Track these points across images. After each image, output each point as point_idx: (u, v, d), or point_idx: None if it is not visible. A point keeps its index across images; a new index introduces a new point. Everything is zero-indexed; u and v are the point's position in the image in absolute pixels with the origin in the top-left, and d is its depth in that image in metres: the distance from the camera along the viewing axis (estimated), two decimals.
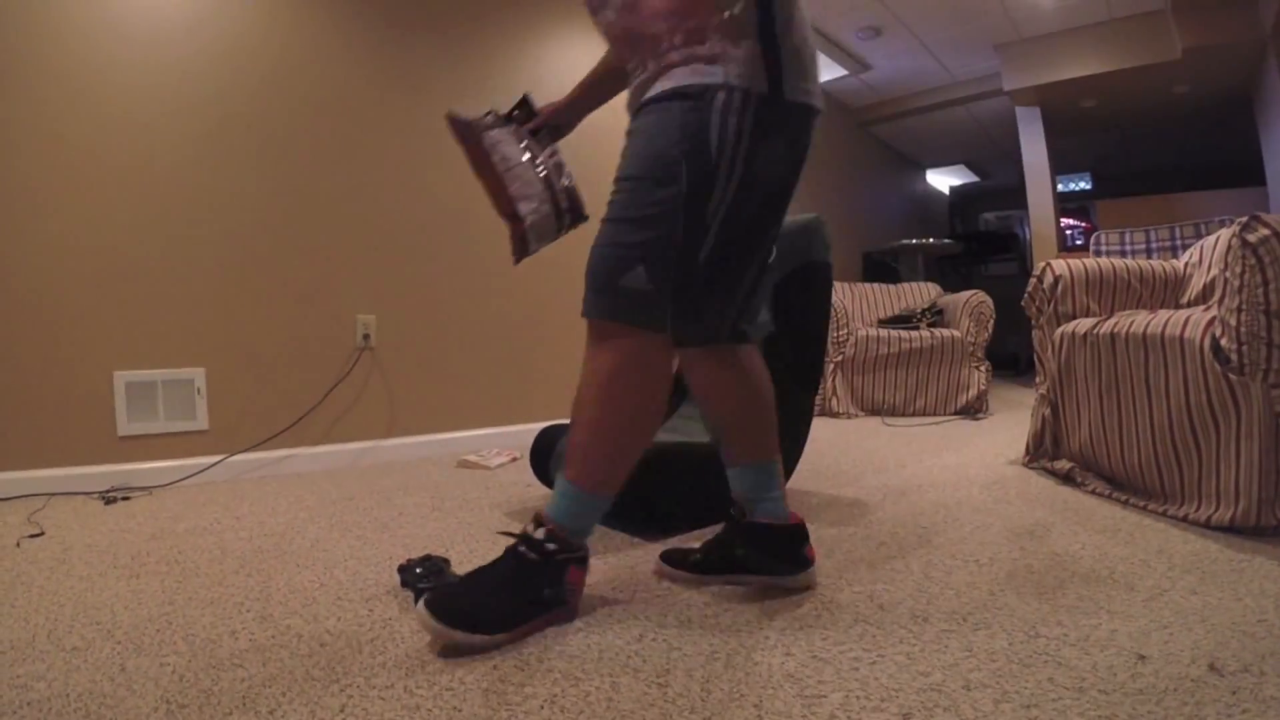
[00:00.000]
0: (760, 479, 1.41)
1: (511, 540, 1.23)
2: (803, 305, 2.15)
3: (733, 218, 1.21)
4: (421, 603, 1.10)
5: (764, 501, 1.40)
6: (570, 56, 4.08)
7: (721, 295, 1.28)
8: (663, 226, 1.20)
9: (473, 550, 1.65)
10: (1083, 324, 2.22)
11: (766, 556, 1.38)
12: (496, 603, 1.14)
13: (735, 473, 1.43)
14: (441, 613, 1.09)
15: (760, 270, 1.35)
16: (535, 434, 2.20)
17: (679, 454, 1.86)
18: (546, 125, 1.60)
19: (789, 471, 2.19)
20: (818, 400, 2.36)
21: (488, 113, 1.59)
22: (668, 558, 1.49)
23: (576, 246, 3.73)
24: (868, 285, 5.32)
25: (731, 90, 1.17)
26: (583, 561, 1.24)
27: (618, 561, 1.55)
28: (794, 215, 2.15)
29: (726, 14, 1.18)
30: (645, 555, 1.60)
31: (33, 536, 1.85)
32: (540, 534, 1.20)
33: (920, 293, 5.21)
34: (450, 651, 1.09)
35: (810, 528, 1.76)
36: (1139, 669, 0.96)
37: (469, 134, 1.57)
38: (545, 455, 2.02)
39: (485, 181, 1.54)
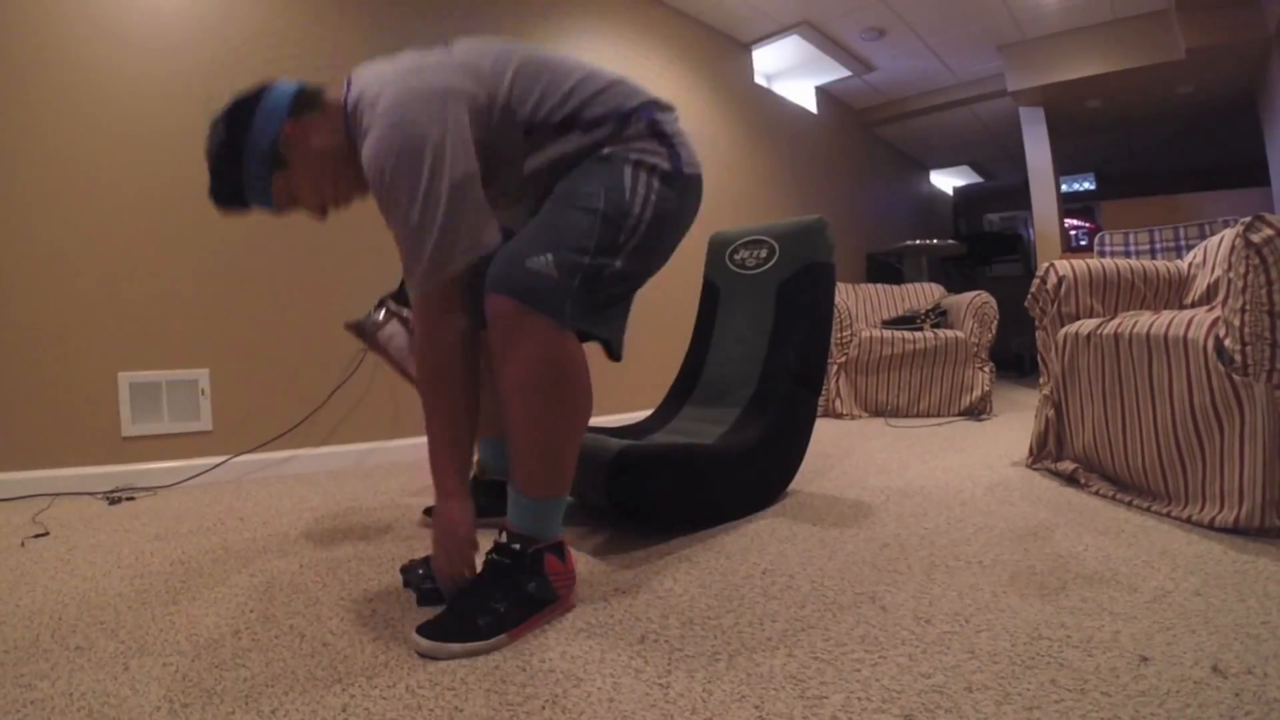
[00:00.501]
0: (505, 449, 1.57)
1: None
2: (806, 306, 2.16)
3: (640, 249, 1.38)
4: (414, 632, 1.13)
5: (499, 466, 1.82)
6: (576, 54, 4.08)
7: (613, 307, 1.39)
8: (577, 236, 1.28)
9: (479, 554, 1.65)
10: (1086, 325, 2.21)
11: (501, 502, 1.48)
12: (485, 610, 1.16)
13: (489, 442, 1.85)
14: (434, 633, 1.12)
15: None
16: None
17: (682, 455, 1.86)
18: None
19: (792, 473, 2.19)
20: (820, 401, 2.36)
21: (380, 303, 1.88)
22: (429, 511, 1.81)
23: None
24: (871, 286, 5.31)
25: (638, 163, 1.39)
26: (558, 549, 1.28)
27: (619, 562, 1.56)
28: (798, 216, 2.16)
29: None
30: (647, 556, 1.60)
31: (37, 536, 1.86)
32: (504, 538, 1.26)
33: (924, 294, 5.20)
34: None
35: (812, 529, 1.78)
36: (1141, 671, 0.96)
37: (365, 336, 1.86)
38: None
39: (390, 364, 1.92)
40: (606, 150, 1.39)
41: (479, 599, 1.18)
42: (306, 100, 1.46)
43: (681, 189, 1.45)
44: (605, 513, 1.85)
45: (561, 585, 1.26)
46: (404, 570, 1.42)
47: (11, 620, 1.26)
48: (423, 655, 1.10)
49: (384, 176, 1.25)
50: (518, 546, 1.24)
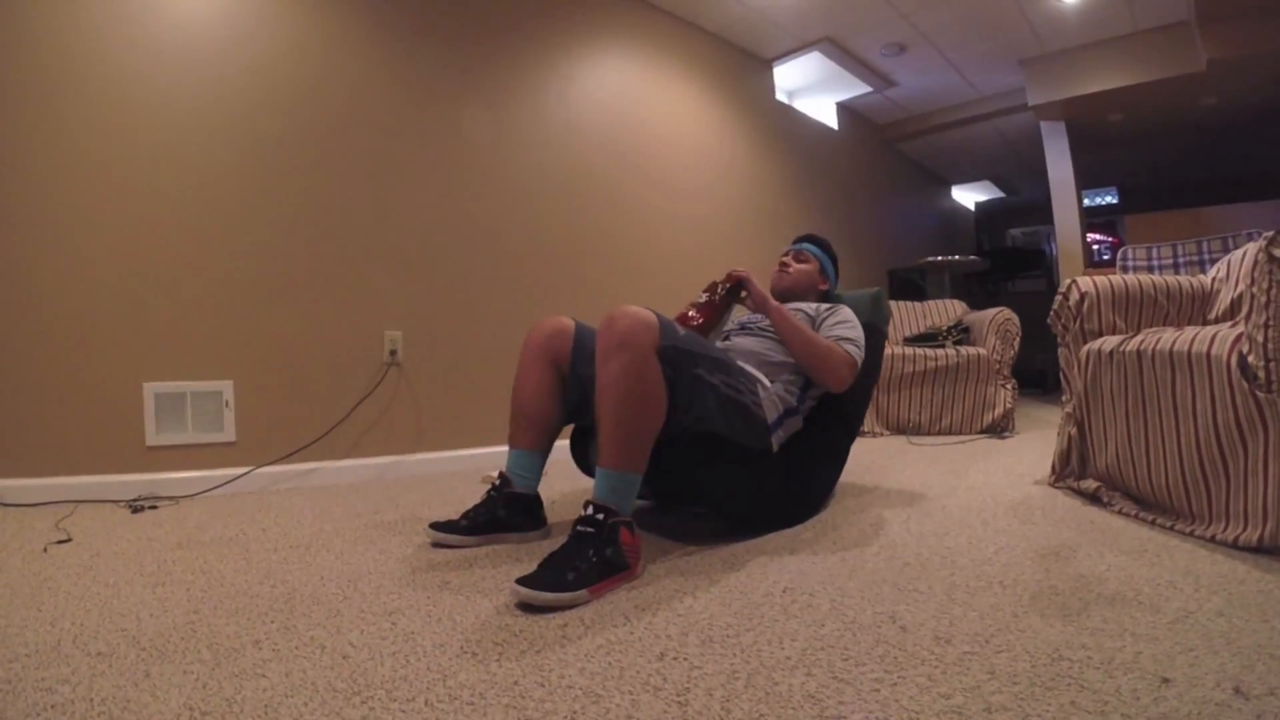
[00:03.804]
0: (534, 462, 1.96)
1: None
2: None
3: None
4: (514, 582, 1.38)
5: (525, 479, 1.93)
6: (599, 73, 4.12)
7: None
8: None
9: (496, 566, 1.66)
10: (1109, 341, 2.20)
11: (521, 517, 1.90)
12: (570, 568, 1.42)
13: (523, 455, 1.95)
14: (529, 583, 1.37)
15: None
16: (559, 450, 2.23)
17: (719, 442, 1.85)
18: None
19: (816, 507, 2.22)
20: None
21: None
22: (438, 526, 1.85)
23: (595, 275, 3.71)
24: (893, 303, 5.28)
25: None
26: (630, 526, 1.55)
27: (639, 579, 1.56)
28: (860, 288, 2.66)
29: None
30: (667, 572, 1.60)
31: (60, 543, 1.88)
32: (590, 510, 1.53)
33: (946, 310, 5.17)
34: (534, 609, 1.35)
35: (833, 547, 1.77)
36: (1162, 693, 0.95)
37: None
38: (584, 445, 2.18)
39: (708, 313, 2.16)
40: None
41: (567, 559, 1.45)
42: None
43: None
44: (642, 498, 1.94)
45: (631, 555, 1.54)
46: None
47: (34, 625, 1.27)
48: (521, 601, 1.36)
49: None
50: (601, 517, 1.51)
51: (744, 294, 2.20)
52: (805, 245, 2.58)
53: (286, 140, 2.90)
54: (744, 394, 1.87)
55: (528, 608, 1.36)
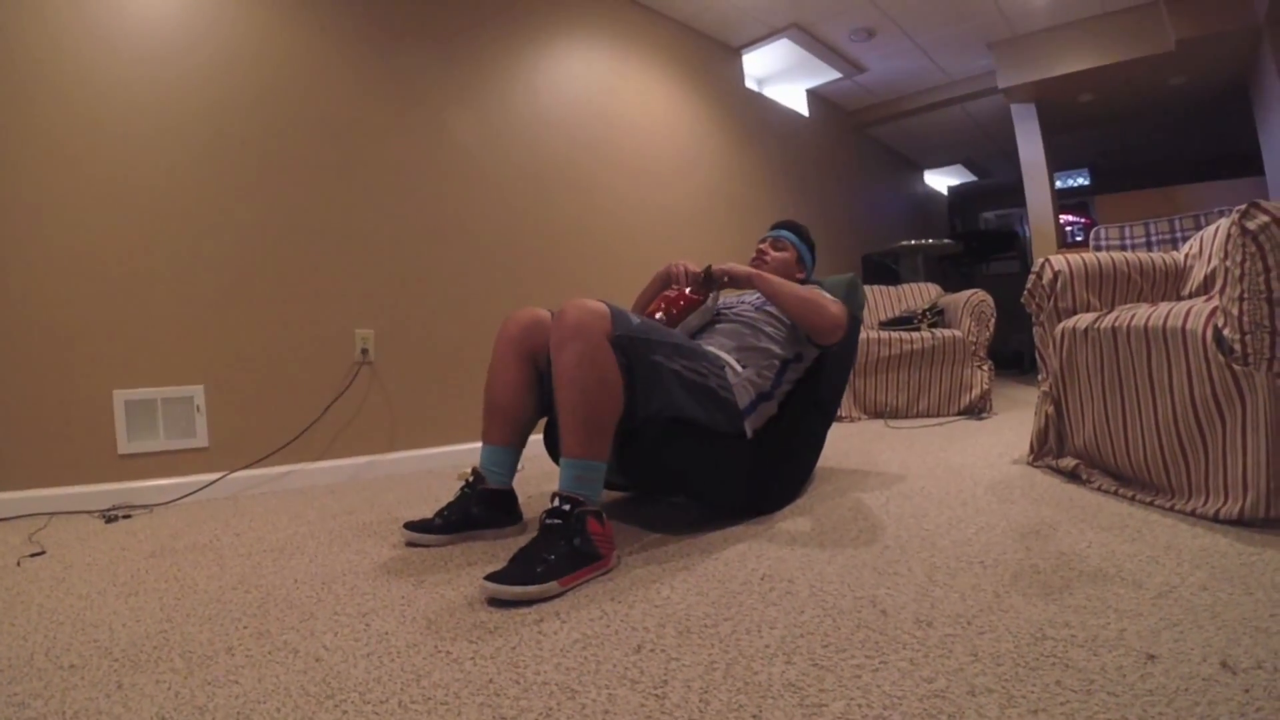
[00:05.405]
0: (509, 457, 1.93)
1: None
2: (835, 348, 2.27)
3: None
4: (483, 579, 1.37)
5: (499, 474, 1.90)
6: (567, 64, 4.09)
7: None
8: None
9: (471, 564, 1.64)
10: (1083, 319, 2.20)
11: (496, 513, 1.89)
12: (539, 561, 1.41)
13: (497, 450, 1.92)
14: (498, 578, 1.37)
15: None
16: (533, 446, 2.21)
17: (688, 423, 1.83)
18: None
19: (794, 493, 2.21)
20: None
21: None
22: (412, 526, 1.84)
23: (567, 266, 3.70)
24: (868, 287, 5.29)
25: None
26: (599, 515, 1.54)
27: (615, 570, 1.54)
28: (833, 274, 2.59)
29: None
30: (644, 563, 1.59)
31: (33, 556, 1.85)
32: (556, 502, 1.52)
33: (921, 293, 5.19)
34: (506, 604, 1.34)
35: (811, 533, 1.76)
36: (1149, 669, 0.94)
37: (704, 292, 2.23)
38: (555, 436, 2.12)
39: (678, 306, 2.19)
40: None
41: (535, 552, 1.44)
42: None
43: None
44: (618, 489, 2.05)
45: (602, 545, 1.52)
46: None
47: (5, 639, 1.25)
48: (490, 597, 1.35)
49: None
50: (567, 507, 1.50)
51: (725, 279, 2.17)
52: (783, 233, 2.50)
53: (252, 139, 2.86)
54: (709, 377, 1.86)
55: (499, 603, 1.34)
